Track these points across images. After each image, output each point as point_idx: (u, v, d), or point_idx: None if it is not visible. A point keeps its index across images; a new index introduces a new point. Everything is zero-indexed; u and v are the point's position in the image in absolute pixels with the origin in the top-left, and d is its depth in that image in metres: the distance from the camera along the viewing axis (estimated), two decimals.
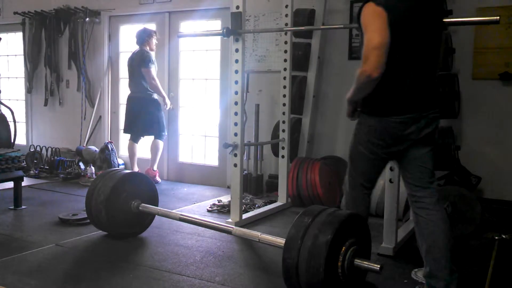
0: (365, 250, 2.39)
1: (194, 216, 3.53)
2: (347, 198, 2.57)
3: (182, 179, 5.69)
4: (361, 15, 2.32)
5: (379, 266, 2.22)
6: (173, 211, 3.61)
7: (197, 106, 5.75)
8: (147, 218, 3.52)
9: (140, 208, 3.34)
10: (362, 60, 2.25)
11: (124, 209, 3.32)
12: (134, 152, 5.50)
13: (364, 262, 2.24)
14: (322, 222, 2.20)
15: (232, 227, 2.93)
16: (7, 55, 7.31)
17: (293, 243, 2.19)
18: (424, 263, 2.43)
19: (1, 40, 6.51)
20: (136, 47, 5.43)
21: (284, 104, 4.35)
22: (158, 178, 5.55)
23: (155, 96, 5.42)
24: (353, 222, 2.31)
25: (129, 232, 3.42)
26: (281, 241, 2.46)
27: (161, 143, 5.48)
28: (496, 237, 3.48)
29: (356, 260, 2.23)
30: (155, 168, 5.52)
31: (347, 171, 2.56)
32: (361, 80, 2.26)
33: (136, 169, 5.43)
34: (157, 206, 3.49)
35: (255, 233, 2.72)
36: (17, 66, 6.83)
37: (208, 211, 4.34)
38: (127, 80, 5.60)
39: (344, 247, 2.21)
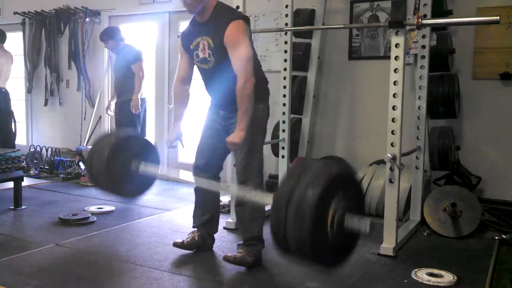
0: (358, 207, 2.22)
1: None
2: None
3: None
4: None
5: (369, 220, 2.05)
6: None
7: (197, 106, 5.74)
8: (149, 181, 3.30)
9: (141, 168, 3.16)
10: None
11: (125, 168, 3.11)
12: None
13: (355, 218, 2.07)
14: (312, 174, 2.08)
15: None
16: None
17: (282, 199, 2.07)
18: None
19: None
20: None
21: (284, 104, 4.34)
22: None
23: None
24: (343, 178, 2.17)
25: (130, 193, 3.13)
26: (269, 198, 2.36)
27: None
28: (496, 237, 3.50)
29: (346, 214, 2.07)
30: None
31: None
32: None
33: None
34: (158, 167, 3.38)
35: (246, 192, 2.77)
36: (17, 66, 6.82)
37: None
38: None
39: (333, 202, 2.06)
